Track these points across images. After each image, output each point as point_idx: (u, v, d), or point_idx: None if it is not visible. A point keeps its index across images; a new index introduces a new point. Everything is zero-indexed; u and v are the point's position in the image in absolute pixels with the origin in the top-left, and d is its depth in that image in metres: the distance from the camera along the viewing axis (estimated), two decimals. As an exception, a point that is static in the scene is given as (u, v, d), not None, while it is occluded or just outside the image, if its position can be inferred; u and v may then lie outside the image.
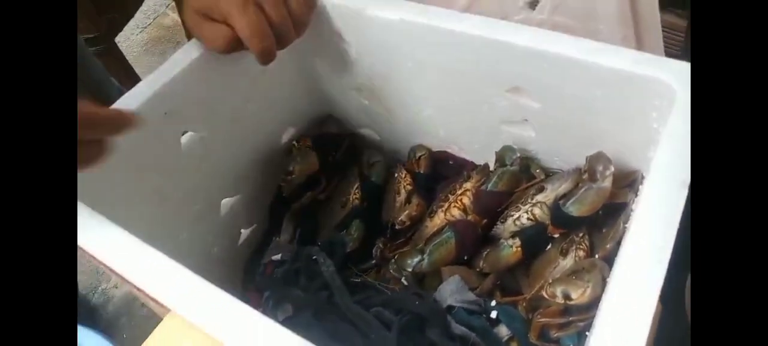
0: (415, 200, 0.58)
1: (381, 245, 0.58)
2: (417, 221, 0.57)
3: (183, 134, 0.54)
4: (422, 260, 0.52)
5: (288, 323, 0.47)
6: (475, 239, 0.53)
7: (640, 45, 0.62)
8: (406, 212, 0.57)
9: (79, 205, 0.41)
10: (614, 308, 0.31)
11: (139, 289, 0.41)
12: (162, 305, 0.48)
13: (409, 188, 0.59)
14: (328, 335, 0.48)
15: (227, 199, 0.63)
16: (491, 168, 0.57)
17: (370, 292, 0.53)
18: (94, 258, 0.41)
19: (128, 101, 0.49)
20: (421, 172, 0.61)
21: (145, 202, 0.53)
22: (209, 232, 0.62)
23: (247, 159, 0.63)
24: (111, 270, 0.41)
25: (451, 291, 0.49)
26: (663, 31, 0.72)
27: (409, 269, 0.52)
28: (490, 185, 0.53)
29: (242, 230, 0.67)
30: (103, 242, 0.39)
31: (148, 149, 0.51)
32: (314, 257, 0.55)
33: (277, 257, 0.61)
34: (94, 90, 0.92)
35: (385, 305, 0.50)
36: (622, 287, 0.32)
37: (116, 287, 1.26)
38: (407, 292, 0.52)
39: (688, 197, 0.34)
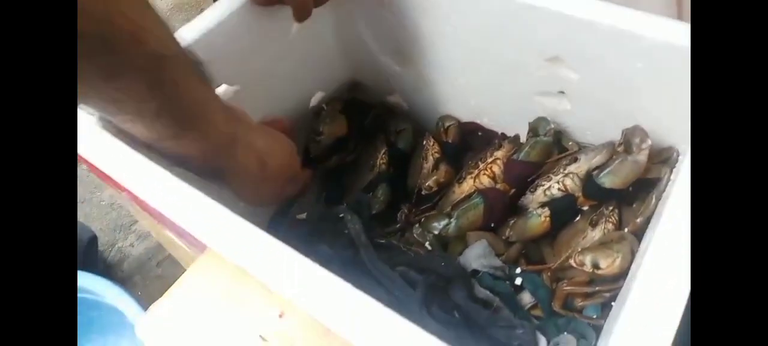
0: (443, 167, 0.58)
1: (406, 210, 0.59)
2: (444, 188, 0.57)
3: (217, 87, 0.55)
4: (449, 223, 0.52)
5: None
6: (503, 207, 0.53)
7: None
8: (434, 177, 0.57)
9: (119, 144, 0.42)
10: (647, 287, 0.30)
11: (172, 226, 0.42)
12: (190, 246, 0.49)
13: (437, 155, 0.59)
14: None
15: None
16: (522, 140, 0.56)
17: (394, 252, 0.54)
18: (132, 195, 0.41)
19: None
20: (450, 141, 0.61)
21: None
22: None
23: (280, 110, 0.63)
24: (149, 209, 0.42)
25: (477, 255, 0.50)
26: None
27: (436, 232, 0.53)
28: (522, 155, 0.53)
29: (267, 189, 0.67)
30: (145, 179, 0.40)
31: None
32: (341, 216, 0.55)
33: (302, 216, 0.62)
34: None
35: (410, 265, 0.50)
36: (656, 265, 0.31)
37: (132, 246, 1.28)
38: (432, 254, 0.52)
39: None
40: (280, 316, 0.44)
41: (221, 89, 0.55)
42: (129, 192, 0.41)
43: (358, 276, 0.52)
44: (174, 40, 0.40)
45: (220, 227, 0.36)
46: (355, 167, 0.64)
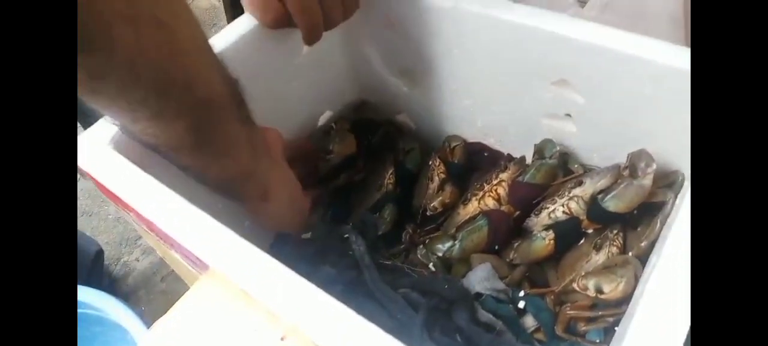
0: (448, 188, 0.58)
1: (410, 230, 0.58)
2: (449, 209, 0.57)
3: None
4: (453, 245, 0.52)
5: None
6: (508, 230, 0.52)
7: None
8: (440, 198, 0.57)
9: (124, 162, 0.42)
10: (650, 312, 0.30)
11: (177, 246, 0.42)
12: (194, 266, 0.49)
13: (442, 176, 0.59)
14: (355, 311, 0.49)
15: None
16: (528, 162, 0.57)
17: (397, 274, 0.53)
18: (136, 213, 0.42)
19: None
20: (456, 162, 0.61)
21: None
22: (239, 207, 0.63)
23: (284, 130, 0.64)
24: (154, 229, 0.42)
25: (481, 278, 0.49)
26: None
27: (440, 254, 0.52)
28: (527, 177, 0.52)
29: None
30: (150, 198, 0.40)
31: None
32: (346, 236, 0.55)
33: (307, 235, 0.62)
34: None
35: (413, 287, 0.50)
36: (659, 290, 0.31)
37: (137, 261, 1.28)
38: (435, 276, 0.52)
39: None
40: (282, 339, 0.43)
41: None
42: (133, 210, 0.42)
43: (361, 298, 0.51)
44: (224, 81, 0.41)
45: (222, 248, 0.37)
46: (363, 186, 0.64)
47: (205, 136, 0.41)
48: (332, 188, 0.63)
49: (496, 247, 0.53)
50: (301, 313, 0.33)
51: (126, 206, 0.43)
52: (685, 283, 0.31)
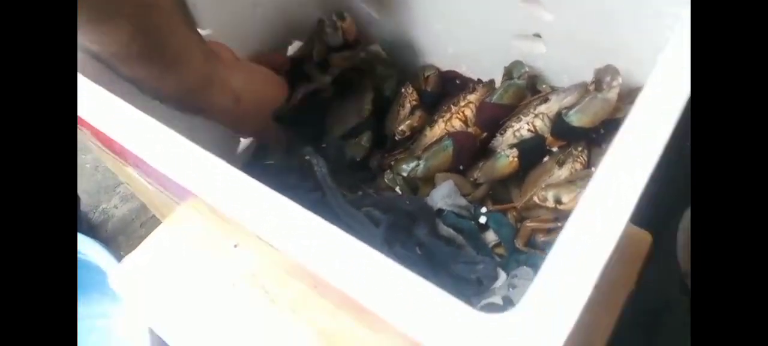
0: (418, 113, 0.57)
1: (379, 156, 0.58)
2: (417, 132, 0.56)
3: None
4: (418, 165, 0.51)
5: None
6: (472, 150, 0.52)
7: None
8: (408, 122, 0.56)
9: (94, 86, 0.41)
10: (585, 213, 0.27)
11: (135, 163, 0.41)
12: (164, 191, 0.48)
13: (414, 103, 0.58)
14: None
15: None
16: (498, 84, 0.55)
17: (362, 196, 0.53)
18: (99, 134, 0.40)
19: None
20: (429, 90, 0.59)
21: (144, 100, 0.52)
22: (208, 139, 0.62)
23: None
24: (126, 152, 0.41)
25: (443, 195, 0.49)
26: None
27: (405, 174, 0.52)
28: (494, 98, 0.52)
29: (241, 139, 0.66)
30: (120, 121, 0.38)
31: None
32: (307, 157, 0.54)
33: (271, 162, 0.61)
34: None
35: (375, 205, 0.49)
36: (595, 195, 0.28)
37: (116, 208, 1.27)
38: (398, 195, 0.51)
39: (687, 116, 0.32)
40: (235, 246, 0.43)
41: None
42: (91, 128, 0.40)
43: (323, 217, 0.51)
44: None
45: (182, 160, 0.35)
46: (341, 110, 0.63)
47: (151, 42, 0.40)
48: (289, 107, 0.60)
49: (461, 167, 0.52)
50: (263, 221, 0.31)
51: (86, 126, 0.41)
52: (618, 190, 0.29)
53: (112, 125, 0.38)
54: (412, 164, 0.51)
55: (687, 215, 0.70)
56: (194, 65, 0.44)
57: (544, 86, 0.52)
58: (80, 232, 1.15)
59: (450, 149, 0.51)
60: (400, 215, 0.48)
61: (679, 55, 0.34)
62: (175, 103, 0.46)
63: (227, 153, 0.64)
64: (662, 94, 0.33)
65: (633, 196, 0.28)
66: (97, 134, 0.43)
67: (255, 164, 0.61)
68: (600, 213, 0.28)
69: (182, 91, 0.45)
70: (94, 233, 1.21)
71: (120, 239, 1.19)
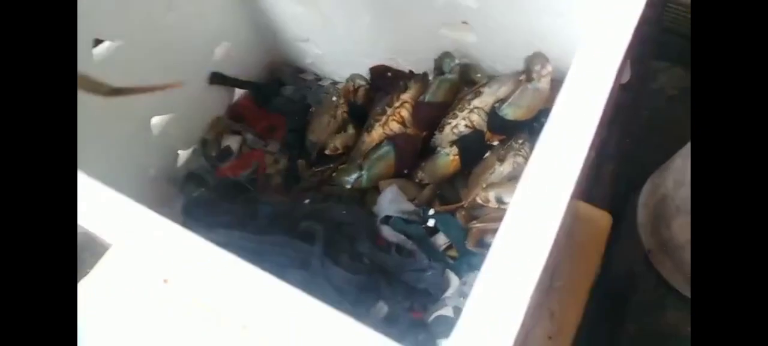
0: (350, 130, 0.55)
1: (304, 165, 0.57)
2: (349, 150, 0.55)
3: (97, 44, 0.50)
4: (361, 175, 0.50)
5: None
6: (414, 152, 0.51)
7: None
8: (341, 139, 0.54)
9: None
10: (525, 202, 0.28)
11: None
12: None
13: (345, 115, 0.56)
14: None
15: (158, 117, 0.59)
16: (430, 77, 0.54)
17: (295, 207, 0.51)
18: None
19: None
20: (359, 103, 0.58)
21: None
22: (143, 152, 0.59)
23: (176, 74, 0.59)
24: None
25: (389, 201, 0.48)
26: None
27: (349, 186, 0.51)
28: (428, 96, 0.50)
29: (179, 152, 0.64)
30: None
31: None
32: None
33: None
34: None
35: (311, 216, 0.48)
36: (533, 181, 0.29)
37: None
38: (333, 202, 0.50)
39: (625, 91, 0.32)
40: (165, 282, 0.42)
41: (103, 47, 0.50)
42: None
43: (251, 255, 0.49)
44: None
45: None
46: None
47: None
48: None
49: (405, 171, 0.51)
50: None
51: None
52: (557, 173, 0.29)
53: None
54: (355, 175, 0.50)
55: (646, 189, 0.71)
56: None
57: (478, 76, 0.51)
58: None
59: (392, 155, 0.50)
60: (340, 226, 0.47)
61: (605, 35, 0.34)
62: None
63: (168, 166, 0.62)
64: (591, 73, 0.32)
65: (571, 174, 0.28)
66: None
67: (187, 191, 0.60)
68: (539, 198, 0.28)
69: None
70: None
71: (84, 256, 1.15)
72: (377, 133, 0.52)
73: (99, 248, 1.15)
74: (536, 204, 0.28)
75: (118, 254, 0.50)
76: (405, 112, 0.51)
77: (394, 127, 0.51)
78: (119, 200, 0.33)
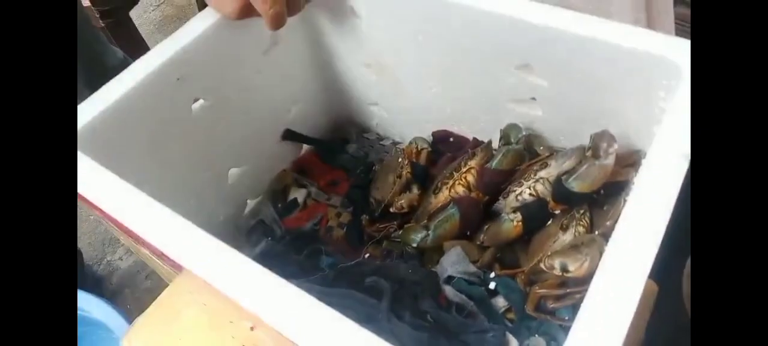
0: (415, 190, 0.58)
1: (367, 222, 0.59)
2: (415, 210, 0.58)
3: (195, 102, 0.55)
4: (427, 235, 0.52)
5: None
6: (477, 215, 0.53)
7: (651, 30, 0.62)
8: (407, 198, 0.57)
9: (92, 163, 0.42)
10: (605, 281, 0.31)
11: (150, 247, 0.42)
12: (171, 268, 0.50)
13: (409, 176, 0.59)
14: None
15: (235, 169, 0.64)
16: (495, 146, 0.57)
17: (363, 264, 0.54)
18: (106, 215, 0.42)
19: (141, 66, 0.50)
20: (422, 165, 0.61)
21: (154, 166, 0.54)
22: (216, 199, 0.64)
23: (255, 130, 0.64)
24: (124, 229, 0.42)
25: (452, 262, 0.50)
26: (675, 23, 0.72)
27: (415, 245, 0.53)
28: (494, 163, 0.53)
29: (248, 201, 0.68)
30: (117, 199, 0.40)
31: (160, 114, 0.52)
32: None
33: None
34: (89, 57, 0.91)
35: (377, 273, 0.50)
36: (613, 259, 0.32)
37: (121, 259, 1.28)
38: (399, 261, 0.53)
39: (688, 173, 0.35)
40: (252, 329, 0.44)
41: (196, 105, 0.55)
42: (103, 212, 0.42)
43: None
44: None
45: (193, 248, 0.37)
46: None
47: None
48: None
49: (468, 233, 0.53)
50: (267, 306, 0.33)
51: (93, 207, 0.43)
52: (634, 255, 0.32)
53: (102, 199, 0.40)
54: (421, 235, 0.52)
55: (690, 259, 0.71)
56: None
57: (541, 148, 0.54)
58: (85, 286, 1.16)
59: (457, 217, 0.52)
60: (404, 283, 0.49)
61: (678, 121, 0.37)
62: None
63: (236, 213, 0.66)
64: (666, 158, 0.35)
65: (649, 258, 0.31)
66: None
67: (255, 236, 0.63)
68: (619, 279, 0.31)
69: None
70: (99, 286, 1.22)
71: (126, 292, 1.20)
72: (443, 195, 0.55)
73: (141, 283, 1.19)
74: (617, 282, 0.31)
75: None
76: (471, 177, 0.54)
77: (460, 190, 0.54)
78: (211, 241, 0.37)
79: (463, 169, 0.55)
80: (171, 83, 0.52)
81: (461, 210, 0.52)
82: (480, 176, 0.54)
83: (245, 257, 0.36)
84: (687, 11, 0.99)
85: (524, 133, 0.54)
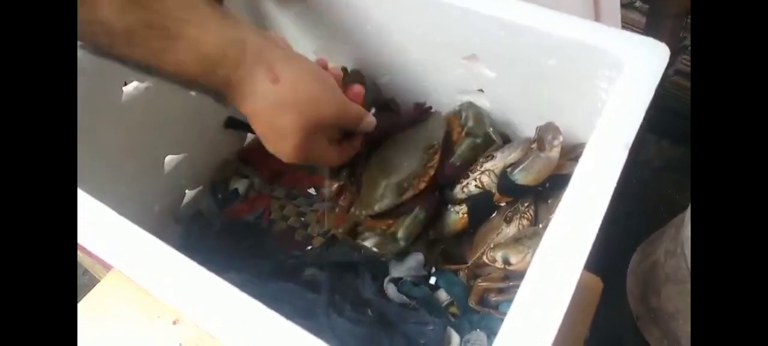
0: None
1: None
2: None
3: (125, 85, 0.52)
4: (402, 245, 0.49)
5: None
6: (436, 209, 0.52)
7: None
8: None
9: None
10: (539, 273, 0.30)
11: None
12: (101, 264, 0.46)
13: None
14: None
15: (172, 156, 0.61)
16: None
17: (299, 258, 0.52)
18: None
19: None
20: None
21: (81, 152, 0.50)
22: (151, 188, 0.60)
23: (194, 116, 0.61)
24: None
25: (408, 267, 0.48)
26: (622, 25, 0.73)
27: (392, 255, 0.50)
28: (458, 160, 0.52)
29: (187, 191, 0.65)
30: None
31: (89, 97, 0.48)
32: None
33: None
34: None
35: (312, 263, 0.48)
36: (549, 250, 0.31)
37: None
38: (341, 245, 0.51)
39: (625, 166, 0.34)
40: (175, 323, 0.42)
41: (131, 86, 0.52)
42: None
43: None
44: None
45: (120, 245, 0.34)
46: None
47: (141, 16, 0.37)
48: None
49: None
50: (187, 300, 0.31)
51: None
52: (571, 247, 0.31)
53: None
54: (399, 246, 0.48)
55: (635, 257, 0.73)
56: (210, 27, 0.39)
57: (490, 129, 0.53)
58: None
59: (421, 217, 0.49)
60: (342, 271, 0.47)
61: (617, 113, 0.36)
62: (197, 80, 0.41)
63: (173, 204, 0.62)
64: (604, 150, 0.35)
65: (584, 247, 0.31)
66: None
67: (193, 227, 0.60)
68: (554, 270, 0.30)
69: (201, 59, 0.39)
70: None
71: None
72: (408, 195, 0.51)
73: (78, 279, 1.13)
74: (552, 273, 0.30)
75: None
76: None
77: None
78: (130, 228, 0.34)
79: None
80: (101, 65, 0.48)
81: (426, 210, 0.50)
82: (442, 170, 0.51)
83: (168, 248, 0.33)
84: (640, 17, 1.02)
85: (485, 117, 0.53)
